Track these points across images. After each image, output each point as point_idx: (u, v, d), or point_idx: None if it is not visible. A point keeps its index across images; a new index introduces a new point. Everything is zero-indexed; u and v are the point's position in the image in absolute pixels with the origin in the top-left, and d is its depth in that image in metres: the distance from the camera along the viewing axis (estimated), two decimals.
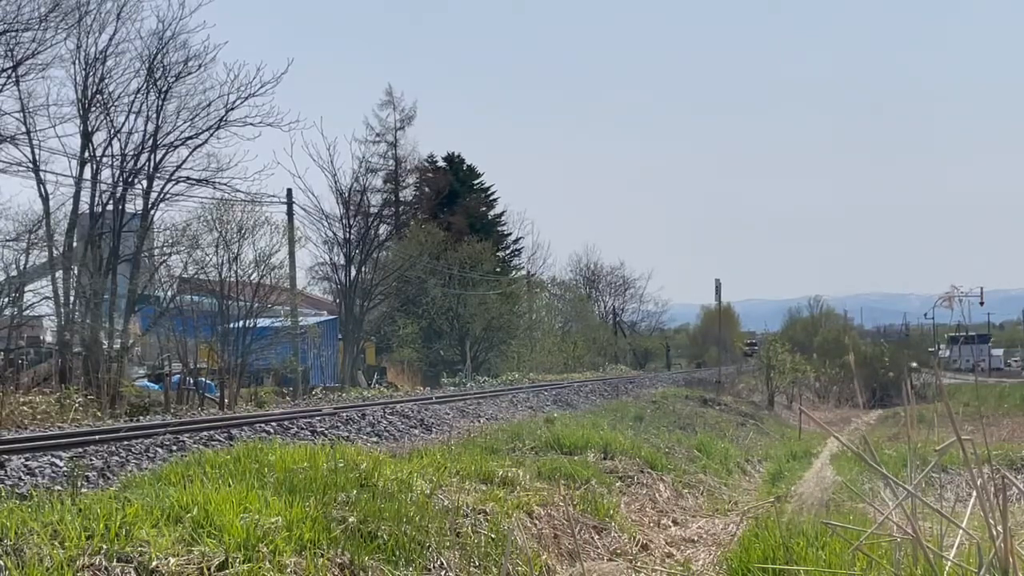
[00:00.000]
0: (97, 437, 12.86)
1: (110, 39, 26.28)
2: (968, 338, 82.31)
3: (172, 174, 27.67)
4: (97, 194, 26.51)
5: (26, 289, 25.09)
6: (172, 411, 20.93)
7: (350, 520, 7.94)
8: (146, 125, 26.96)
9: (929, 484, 11.13)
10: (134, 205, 27.49)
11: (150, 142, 27.07)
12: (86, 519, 6.87)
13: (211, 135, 27.96)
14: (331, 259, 42.83)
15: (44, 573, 5.97)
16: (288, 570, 6.83)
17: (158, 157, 27.40)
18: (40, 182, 25.41)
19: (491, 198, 60.45)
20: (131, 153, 26.95)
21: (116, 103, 26.67)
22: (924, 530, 5.65)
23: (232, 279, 27.13)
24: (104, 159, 26.54)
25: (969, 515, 4.70)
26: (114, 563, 6.26)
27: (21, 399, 19.09)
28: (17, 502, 8.08)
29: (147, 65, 26.80)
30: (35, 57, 25.00)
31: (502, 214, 61.15)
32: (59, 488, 9.10)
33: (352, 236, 42.31)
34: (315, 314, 43.27)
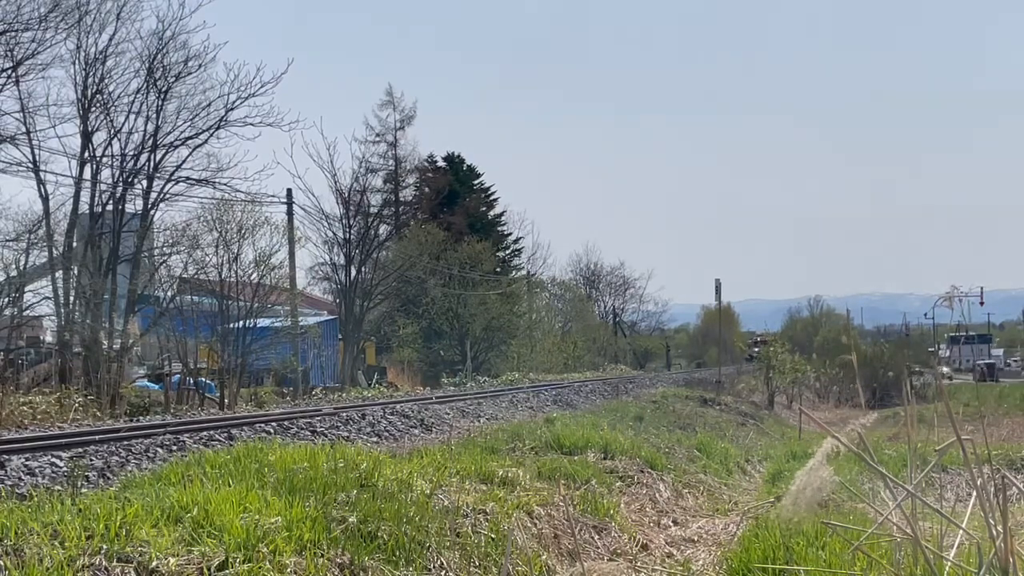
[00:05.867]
0: (97, 437, 12.86)
1: (110, 39, 26.28)
2: (968, 338, 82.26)
3: (172, 174, 27.68)
4: (97, 194, 26.50)
5: (26, 289, 25.09)
6: (172, 411, 20.92)
7: (350, 520, 7.94)
8: (146, 125, 26.97)
9: (929, 484, 11.13)
10: (134, 205, 27.50)
11: (150, 142, 27.07)
12: (86, 519, 6.87)
13: (211, 135, 27.97)
14: (331, 259, 42.88)
15: (44, 573, 5.97)
16: (288, 570, 6.83)
17: (158, 157, 27.40)
18: (40, 182, 25.43)
19: (491, 198, 60.52)
20: (131, 153, 26.95)
21: (116, 103, 26.67)
22: (924, 530, 5.66)
23: (232, 279, 27.11)
24: (104, 159, 26.55)
25: (969, 515, 4.70)
26: (114, 563, 6.26)
27: (21, 399, 19.09)
28: (17, 502, 8.08)
29: (147, 65, 26.80)
30: (35, 57, 25.02)
31: (502, 214, 61.25)
32: (59, 488, 9.10)
33: (352, 236, 42.33)
34: (315, 314, 43.26)
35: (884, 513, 4.99)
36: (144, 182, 27.32)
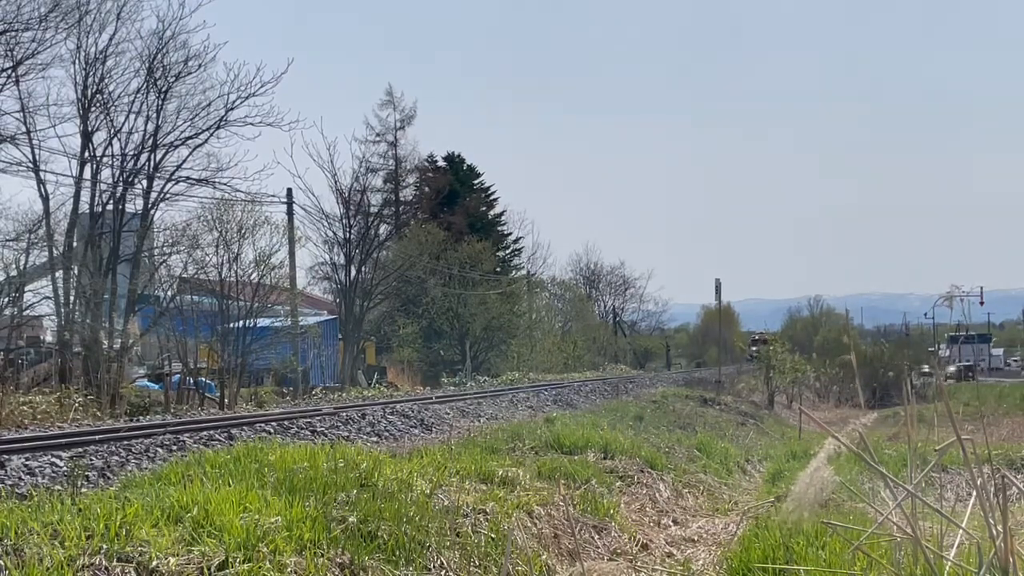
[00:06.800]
0: (97, 437, 12.86)
1: (110, 39, 26.27)
2: (968, 338, 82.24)
3: (172, 174, 27.67)
4: (97, 194, 26.50)
5: (26, 289, 25.09)
6: (172, 411, 20.93)
7: (350, 520, 7.95)
8: (146, 125, 26.96)
9: (929, 484, 11.13)
10: (134, 205, 27.50)
11: (150, 142, 27.06)
12: (86, 519, 6.87)
13: (211, 135, 27.95)
14: (331, 259, 42.91)
15: (44, 573, 5.97)
16: (288, 570, 6.83)
17: (158, 157, 27.39)
18: (40, 182, 25.42)
19: (491, 198, 60.52)
20: (131, 153, 26.95)
21: (116, 103, 26.66)
22: (924, 530, 5.66)
23: (232, 279, 27.12)
24: (104, 159, 26.53)
25: (969, 515, 4.70)
26: (114, 563, 6.26)
27: (21, 399, 19.09)
28: (17, 502, 8.08)
29: (147, 65, 26.79)
30: (35, 57, 25.01)
31: (502, 214, 61.25)
32: (59, 488, 9.10)
33: (352, 236, 42.34)
34: (315, 314, 43.28)
35: (884, 513, 4.99)
36: (144, 182, 27.34)
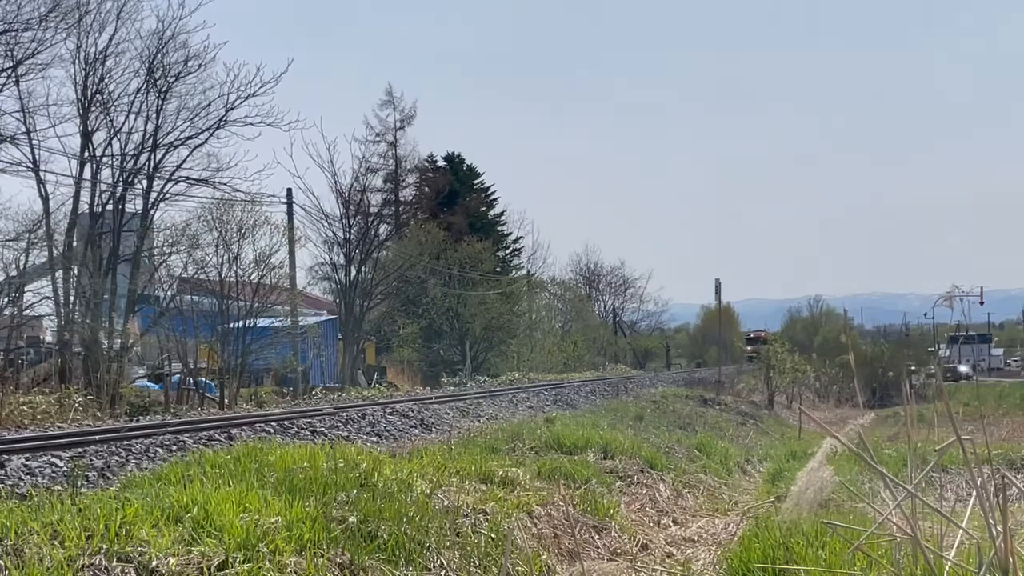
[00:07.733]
0: (97, 437, 12.86)
1: (110, 39, 26.32)
2: (968, 338, 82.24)
3: (172, 174, 27.71)
4: (97, 194, 26.52)
5: (26, 289, 25.10)
6: (172, 411, 20.93)
7: (350, 520, 7.94)
8: (146, 125, 27.00)
9: (929, 484, 11.13)
10: (134, 205, 27.54)
11: (150, 142, 27.09)
12: (86, 519, 6.87)
13: (211, 135, 28.00)
14: (331, 259, 42.96)
15: (44, 573, 5.97)
16: (288, 570, 6.83)
17: (158, 157, 27.43)
18: (40, 182, 25.45)
19: (491, 198, 60.49)
20: (131, 153, 26.97)
21: (116, 103, 26.70)
22: (924, 530, 5.66)
23: (232, 279, 27.12)
24: (104, 159, 26.57)
25: (969, 515, 4.70)
26: (114, 563, 6.26)
27: (21, 399, 19.09)
28: (17, 502, 8.08)
29: (147, 65, 26.82)
30: (35, 57, 25.05)
31: (502, 214, 61.21)
32: (59, 488, 9.10)
33: (352, 236, 42.37)
34: (315, 314, 43.27)
35: (884, 513, 4.99)
36: (144, 182, 27.38)
